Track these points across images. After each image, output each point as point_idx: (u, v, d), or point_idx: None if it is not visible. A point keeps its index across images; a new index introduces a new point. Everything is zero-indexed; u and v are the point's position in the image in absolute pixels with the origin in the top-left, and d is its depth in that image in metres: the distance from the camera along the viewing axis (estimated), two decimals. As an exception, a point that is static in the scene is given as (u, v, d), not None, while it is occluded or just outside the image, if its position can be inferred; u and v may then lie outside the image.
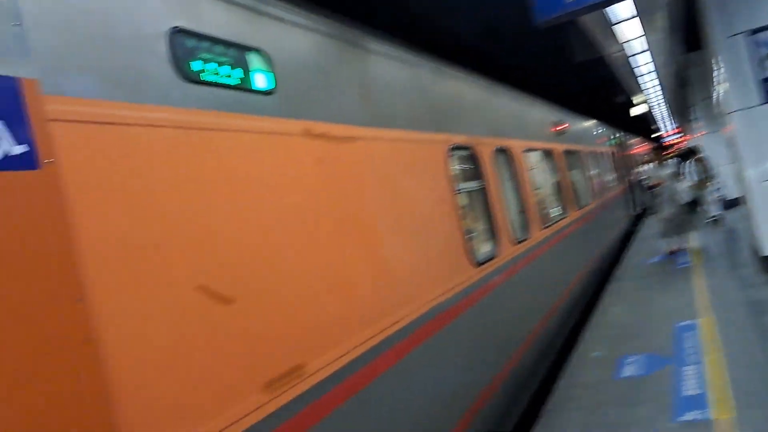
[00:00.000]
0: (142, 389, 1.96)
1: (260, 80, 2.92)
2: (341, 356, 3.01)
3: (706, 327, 6.69)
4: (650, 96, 21.53)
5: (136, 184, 2.13)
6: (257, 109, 2.86)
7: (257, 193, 2.71)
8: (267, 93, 2.95)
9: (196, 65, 2.55)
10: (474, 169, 5.73)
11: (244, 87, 2.81)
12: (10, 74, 1.74)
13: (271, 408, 2.49)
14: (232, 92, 2.73)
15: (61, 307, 1.73)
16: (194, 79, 2.52)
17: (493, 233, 5.72)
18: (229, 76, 2.73)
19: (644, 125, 37.05)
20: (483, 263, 5.16)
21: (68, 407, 1.68)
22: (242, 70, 2.81)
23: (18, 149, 1.70)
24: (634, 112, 25.42)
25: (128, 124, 2.16)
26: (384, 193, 3.83)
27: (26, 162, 1.71)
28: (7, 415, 1.53)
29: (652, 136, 47.30)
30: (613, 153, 17.11)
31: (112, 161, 2.05)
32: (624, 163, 18.97)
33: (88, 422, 1.73)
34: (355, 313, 3.21)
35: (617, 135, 18.93)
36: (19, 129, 1.72)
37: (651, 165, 12.41)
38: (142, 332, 2.01)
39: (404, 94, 4.56)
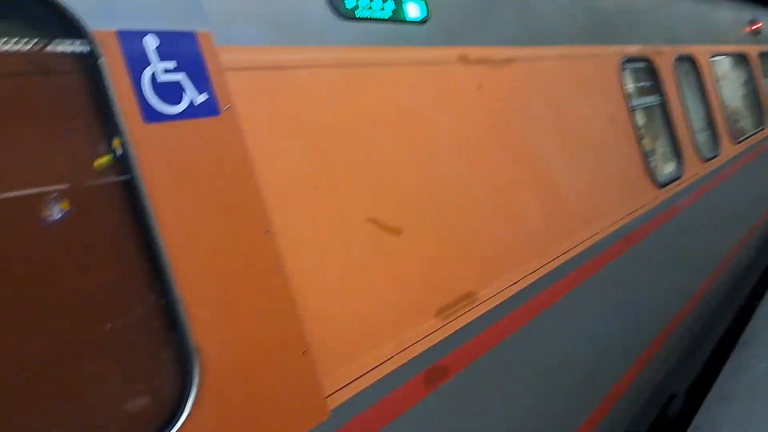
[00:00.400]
0: (326, 314, 2.11)
1: (412, 10, 2.88)
2: (512, 284, 2.98)
3: None
4: None
5: (306, 123, 2.24)
6: (412, 40, 2.84)
7: (419, 125, 2.71)
8: (420, 22, 2.91)
9: (349, 2, 2.58)
10: (652, 82, 5.23)
11: (397, 18, 2.79)
12: (188, 29, 1.89)
13: (443, 334, 2.56)
14: (386, 25, 2.73)
15: (251, 239, 1.90)
16: (350, 15, 2.56)
17: (677, 152, 5.23)
18: (382, 9, 2.72)
19: None
20: (667, 184, 4.76)
21: (267, 329, 1.86)
22: (394, 2, 2.79)
23: (200, 98, 1.86)
24: None
25: (294, 67, 2.26)
26: (551, 115, 3.64)
27: (208, 110, 1.87)
28: (218, 332, 1.74)
29: None
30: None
31: (282, 103, 2.17)
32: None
33: (284, 343, 1.91)
34: (526, 240, 3.15)
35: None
36: (200, 80, 1.87)
37: None
38: (322, 261, 2.15)
39: (568, 5, 4.24)
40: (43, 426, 1.46)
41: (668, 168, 5.22)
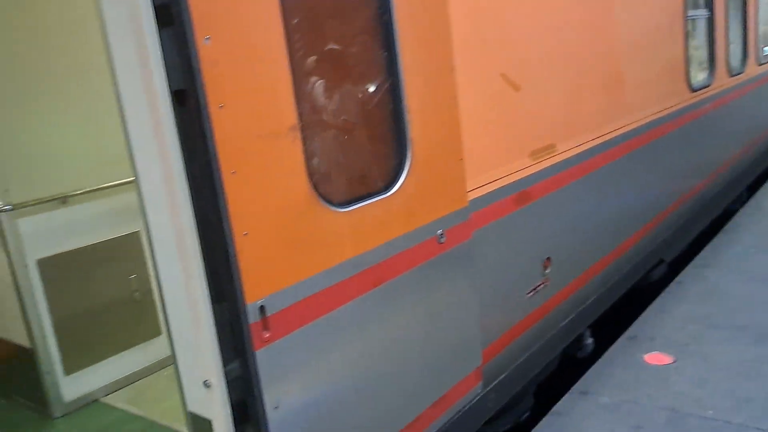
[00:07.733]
0: (473, 137, 2.98)
1: None
2: (581, 144, 3.89)
3: None
4: None
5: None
6: None
7: (540, 10, 3.47)
8: None
9: None
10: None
11: None
12: None
13: (533, 170, 3.49)
14: None
15: (445, 72, 2.74)
16: None
17: (711, 63, 6.00)
18: None
19: None
20: (697, 90, 5.59)
21: (445, 138, 2.76)
22: None
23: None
24: None
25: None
26: (629, 16, 4.40)
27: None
28: (421, 132, 2.61)
29: None
30: None
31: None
32: None
33: (452, 149, 2.81)
34: (597, 112, 4.03)
35: None
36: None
37: None
38: (474, 99, 3.00)
39: None
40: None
41: (701, 76, 6.02)
